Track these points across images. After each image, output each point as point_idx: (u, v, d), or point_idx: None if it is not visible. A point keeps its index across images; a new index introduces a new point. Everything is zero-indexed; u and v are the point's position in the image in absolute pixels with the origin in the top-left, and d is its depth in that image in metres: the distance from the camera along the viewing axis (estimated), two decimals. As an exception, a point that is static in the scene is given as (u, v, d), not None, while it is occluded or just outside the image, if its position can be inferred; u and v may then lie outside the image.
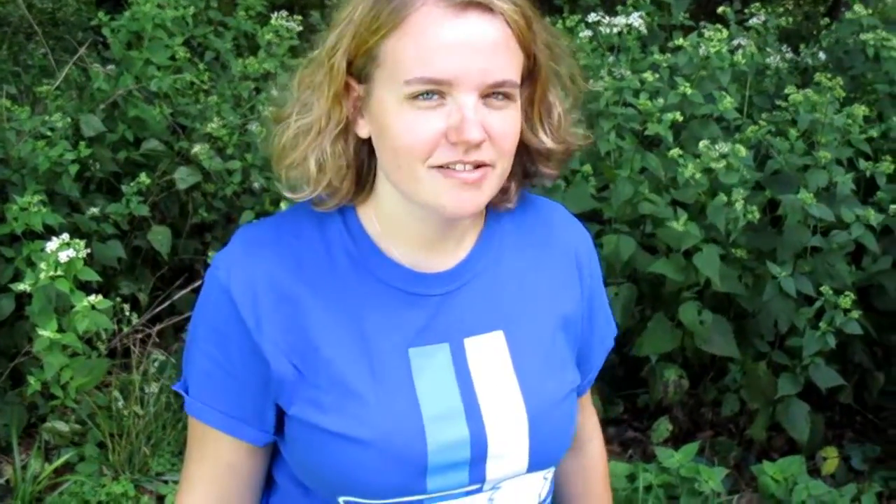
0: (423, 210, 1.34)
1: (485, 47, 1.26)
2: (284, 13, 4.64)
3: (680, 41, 4.02)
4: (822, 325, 3.48)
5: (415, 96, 1.26)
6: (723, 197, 3.45)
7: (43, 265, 3.06)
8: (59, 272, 3.05)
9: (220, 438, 1.41)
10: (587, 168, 3.77)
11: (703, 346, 3.70)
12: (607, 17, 4.38)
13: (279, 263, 1.36)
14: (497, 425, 1.37)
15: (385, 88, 1.29)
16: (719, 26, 4.14)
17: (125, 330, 3.91)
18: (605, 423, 1.83)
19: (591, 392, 1.68)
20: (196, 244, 4.56)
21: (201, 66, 4.54)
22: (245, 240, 1.40)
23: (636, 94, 3.84)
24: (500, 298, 1.43)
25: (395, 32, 1.27)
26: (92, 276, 3.14)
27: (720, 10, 4.75)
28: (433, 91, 1.26)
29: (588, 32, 4.42)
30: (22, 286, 3.09)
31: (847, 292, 3.46)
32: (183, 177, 4.16)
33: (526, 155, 1.43)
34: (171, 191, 4.35)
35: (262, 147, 3.77)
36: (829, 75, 3.91)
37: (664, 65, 4.00)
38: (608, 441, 3.90)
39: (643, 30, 4.30)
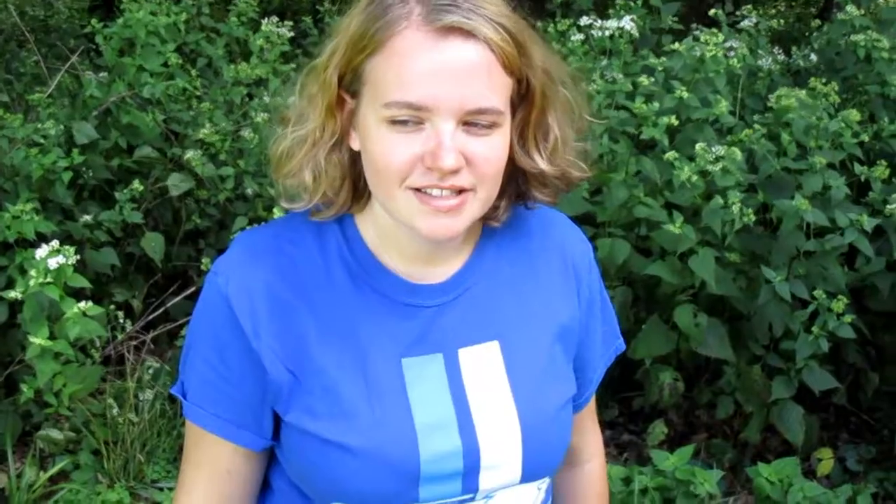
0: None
1: (464, 74, 1.24)
2: (276, 19, 4.65)
3: (675, 45, 4.02)
4: (816, 329, 3.49)
5: (393, 121, 1.25)
6: (719, 199, 3.46)
7: (33, 272, 3.06)
8: (49, 279, 3.05)
9: (217, 443, 1.41)
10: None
11: (698, 348, 3.70)
12: (599, 21, 4.39)
13: (277, 271, 1.36)
14: (490, 436, 1.37)
15: (368, 107, 1.29)
16: (714, 30, 4.14)
17: (119, 337, 3.90)
18: (601, 425, 1.82)
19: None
20: (189, 251, 4.56)
21: (194, 72, 4.54)
22: (244, 247, 1.40)
23: (629, 97, 3.84)
24: (495, 309, 1.43)
25: (379, 54, 1.26)
26: (82, 282, 3.14)
27: (711, 12, 4.75)
28: (412, 116, 1.25)
29: (580, 36, 4.42)
30: (13, 293, 3.09)
31: (840, 296, 3.47)
32: (176, 183, 4.16)
33: (521, 178, 1.41)
34: (164, 197, 4.35)
35: (265, 148, 3.77)
36: (823, 80, 3.91)
37: (659, 68, 4.00)
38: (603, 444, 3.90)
39: (635, 33, 4.31)
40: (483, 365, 1.39)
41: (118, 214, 3.95)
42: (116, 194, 4.00)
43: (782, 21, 4.82)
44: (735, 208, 3.41)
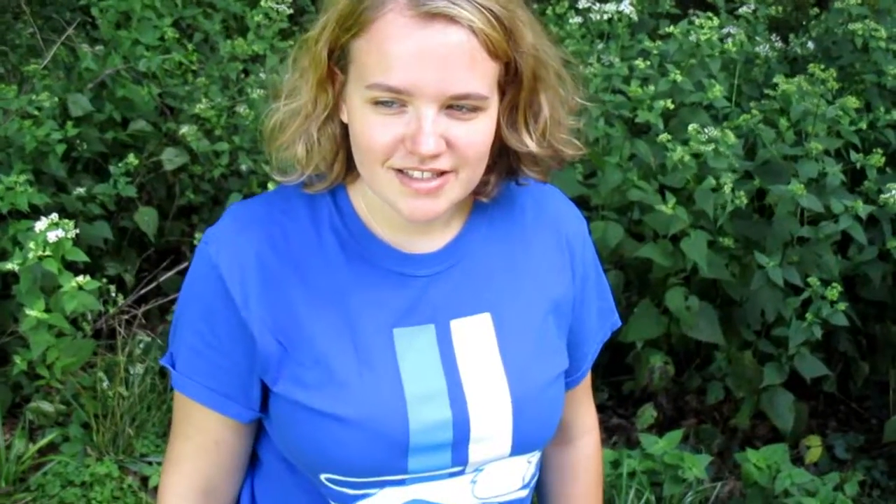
0: None
1: (447, 59, 1.23)
2: (274, -5, 4.62)
3: (670, 28, 4.02)
4: (809, 315, 3.49)
5: (376, 101, 1.26)
6: (711, 180, 3.45)
7: (31, 245, 3.05)
8: (48, 252, 3.04)
9: (205, 415, 1.41)
10: (574, 154, 3.76)
11: (689, 332, 3.71)
12: (597, 4, 4.37)
13: (268, 241, 1.36)
14: (480, 408, 1.37)
15: (353, 86, 1.29)
16: (710, 14, 4.14)
17: (111, 311, 3.90)
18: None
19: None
20: (183, 226, 4.55)
21: (190, 46, 4.52)
22: (235, 217, 1.41)
23: (626, 80, 3.83)
24: (488, 280, 1.43)
25: (364, 35, 1.26)
26: (80, 256, 3.14)
27: (710, -2, 4.75)
28: (393, 99, 1.25)
29: (578, 19, 4.41)
30: (9, 265, 3.08)
31: (834, 283, 3.48)
32: (170, 158, 4.15)
33: (512, 155, 1.40)
34: (158, 172, 4.34)
35: (260, 124, 3.76)
36: (822, 66, 3.91)
37: (654, 52, 3.99)
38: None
39: (633, 17, 4.30)
40: (475, 337, 1.39)
41: (112, 188, 3.93)
42: (110, 168, 3.99)
43: (780, 8, 4.79)
44: (727, 189, 3.41)
